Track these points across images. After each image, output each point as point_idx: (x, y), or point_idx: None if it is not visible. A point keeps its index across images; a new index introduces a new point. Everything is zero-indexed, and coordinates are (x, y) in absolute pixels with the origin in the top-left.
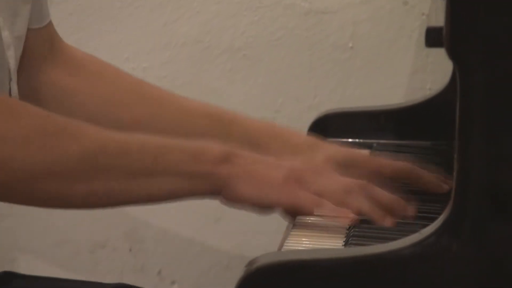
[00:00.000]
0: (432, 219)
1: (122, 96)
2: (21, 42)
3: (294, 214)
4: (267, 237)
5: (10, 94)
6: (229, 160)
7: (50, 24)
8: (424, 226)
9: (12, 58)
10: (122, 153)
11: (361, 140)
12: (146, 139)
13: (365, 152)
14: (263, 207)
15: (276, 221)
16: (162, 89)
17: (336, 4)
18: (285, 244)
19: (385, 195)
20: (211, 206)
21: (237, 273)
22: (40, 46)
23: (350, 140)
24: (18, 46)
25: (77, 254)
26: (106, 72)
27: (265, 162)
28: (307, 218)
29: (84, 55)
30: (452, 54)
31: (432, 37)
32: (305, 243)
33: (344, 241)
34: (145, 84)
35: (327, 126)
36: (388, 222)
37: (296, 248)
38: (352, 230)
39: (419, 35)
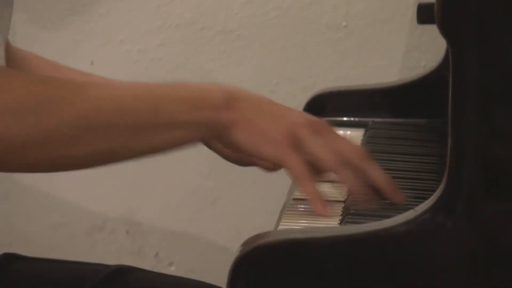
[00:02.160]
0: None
1: None
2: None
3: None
4: (264, 218)
5: None
6: (231, 104)
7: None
8: (419, 203)
9: (1, 57)
10: (119, 111)
11: (357, 119)
12: (144, 91)
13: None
14: (255, 156)
15: (273, 201)
16: (94, 76)
17: None
18: (281, 223)
19: (381, 175)
20: (208, 187)
21: (234, 254)
22: None
23: (345, 118)
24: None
25: (74, 237)
26: (28, 63)
27: (267, 112)
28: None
29: (20, 52)
30: (444, 31)
31: (424, 14)
32: (302, 223)
33: (340, 220)
34: (65, 70)
35: (322, 105)
36: (372, 203)
37: (292, 227)
38: (348, 209)
39: (413, 13)
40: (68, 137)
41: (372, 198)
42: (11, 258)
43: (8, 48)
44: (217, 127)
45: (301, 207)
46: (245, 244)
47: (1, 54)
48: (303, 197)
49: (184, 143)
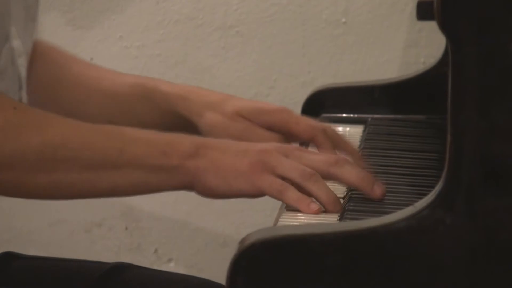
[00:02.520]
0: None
1: (63, 86)
2: (28, 56)
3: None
4: (263, 214)
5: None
6: (198, 153)
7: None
8: (418, 199)
9: (23, 66)
10: (85, 145)
11: (356, 115)
12: (114, 131)
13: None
14: (235, 197)
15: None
16: (97, 71)
17: None
18: (280, 220)
19: (353, 175)
20: None
21: (233, 250)
22: None
23: (344, 115)
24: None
25: (73, 233)
26: (55, 62)
27: (234, 150)
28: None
29: (40, 42)
30: (443, 27)
31: (424, 10)
32: (301, 219)
33: (339, 216)
34: (85, 69)
35: (321, 101)
36: (337, 209)
37: (291, 223)
38: (347, 205)
39: (412, 9)
40: (31, 163)
41: (336, 204)
42: (10, 257)
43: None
44: (186, 176)
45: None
46: (244, 240)
47: (24, 64)
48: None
49: (152, 189)
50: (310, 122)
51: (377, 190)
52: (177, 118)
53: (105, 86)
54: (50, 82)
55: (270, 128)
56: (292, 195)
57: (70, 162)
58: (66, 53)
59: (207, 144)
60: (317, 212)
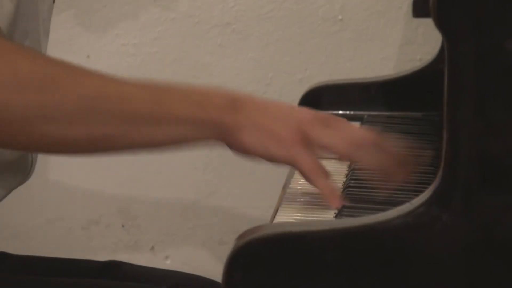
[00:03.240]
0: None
1: None
2: None
3: None
4: (260, 211)
5: None
6: (236, 107)
7: None
8: (415, 196)
9: None
10: (123, 98)
11: (352, 112)
12: (151, 85)
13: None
14: (266, 159)
15: (269, 195)
16: None
17: None
18: (277, 216)
19: (394, 151)
20: (204, 181)
21: (230, 247)
22: None
23: (341, 112)
24: None
25: (70, 231)
26: None
27: (274, 112)
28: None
29: None
30: (439, 24)
31: (420, 7)
32: (297, 216)
33: (335, 213)
34: None
35: (318, 98)
36: (399, 177)
37: (288, 220)
38: (344, 202)
39: (409, 6)
40: (67, 115)
41: (396, 171)
42: (3, 257)
43: None
44: (222, 130)
45: (297, 200)
46: (240, 237)
47: None
48: (300, 190)
49: (188, 141)
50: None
51: (406, 173)
52: None
53: None
54: None
55: None
56: (322, 182)
57: (107, 114)
58: None
59: (244, 99)
60: (338, 206)
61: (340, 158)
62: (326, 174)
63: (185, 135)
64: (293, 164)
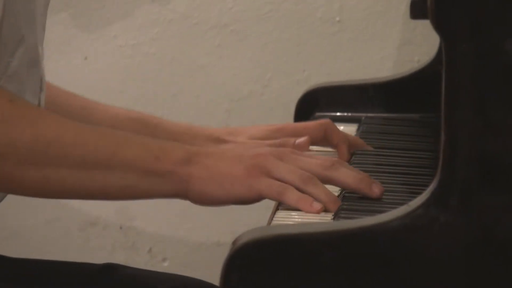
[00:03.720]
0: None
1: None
2: None
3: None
4: (258, 213)
5: (39, 105)
6: (191, 161)
7: None
8: (413, 198)
9: (43, 70)
10: (78, 142)
11: (350, 114)
12: (108, 132)
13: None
14: (232, 203)
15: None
16: (86, 99)
17: None
18: (274, 219)
19: (349, 177)
20: None
21: (228, 249)
22: None
23: (338, 113)
24: None
25: (67, 232)
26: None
27: (227, 157)
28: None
29: None
30: (437, 25)
31: (417, 9)
32: (295, 218)
33: (333, 215)
34: (69, 95)
35: (316, 100)
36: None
37: (286, 223)
38: (341, 204)
39: (407, 7)
40: (23, 156)
41: (335, 204)
42: None
43: None
44: (179, 183)
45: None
46: (237, 239)
47: (43, 99)
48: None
49: (143, 194)
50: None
51: (376, 190)
52: None
53: (97, 118)
54: None
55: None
56: (293, 195)
57: (61, 159)
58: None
59: (200, 151)
60: (320, 211)
61: (296, 186)
62: (291, 188)
63: (138, 186)
64: (259, 194)
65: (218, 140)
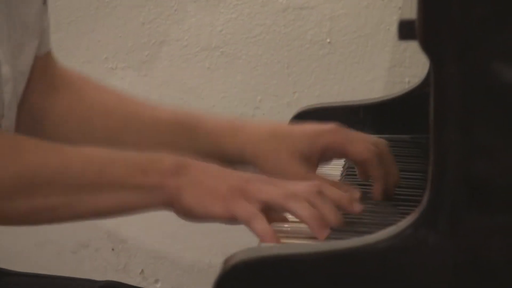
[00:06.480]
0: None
1: (97, 114)
2: (24, 76)
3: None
4: (249, 234)
5: None
6: (178, 172)
7: (48, 54)
8: (401, 219)
9: (8, 93)
10: (64, 168)
11: None
12: (92, 153)
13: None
14: (207, 218)
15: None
16: (134, 100)
17: (313, 0)
18: None
19: (333, 194)
20: None
21: (219, 270)
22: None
23: None
24: (21, 81)
25: (60, 254)
26: (85, 91)
27: (215, 173)
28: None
29: (69, 74)
30: (425, 47)
31: (406, 30)
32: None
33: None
34: (120, 99)
35: (306, 121)
36: (322, 234)
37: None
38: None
39: (396, 29)
40: (9, 190)
41: (321, 226)
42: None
43: (55, 70)
44: (165, 194)
45: (285, 224)
46: (227, 261)
47: (9, 91)
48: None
49: (135, 208)
50: (365, 144)
51: (355, 207)
52: (221, 154)
53: (143, 114)
54: (82, 112)
55: (326, 149)
56: (258, 225)
57: (48, 187)
58: (95, 82)
59: (188, 163)
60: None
61: (276, 209)
62: (261, 218)
63: (129, 201)
64: (233, 217)
65: (257, 139)
